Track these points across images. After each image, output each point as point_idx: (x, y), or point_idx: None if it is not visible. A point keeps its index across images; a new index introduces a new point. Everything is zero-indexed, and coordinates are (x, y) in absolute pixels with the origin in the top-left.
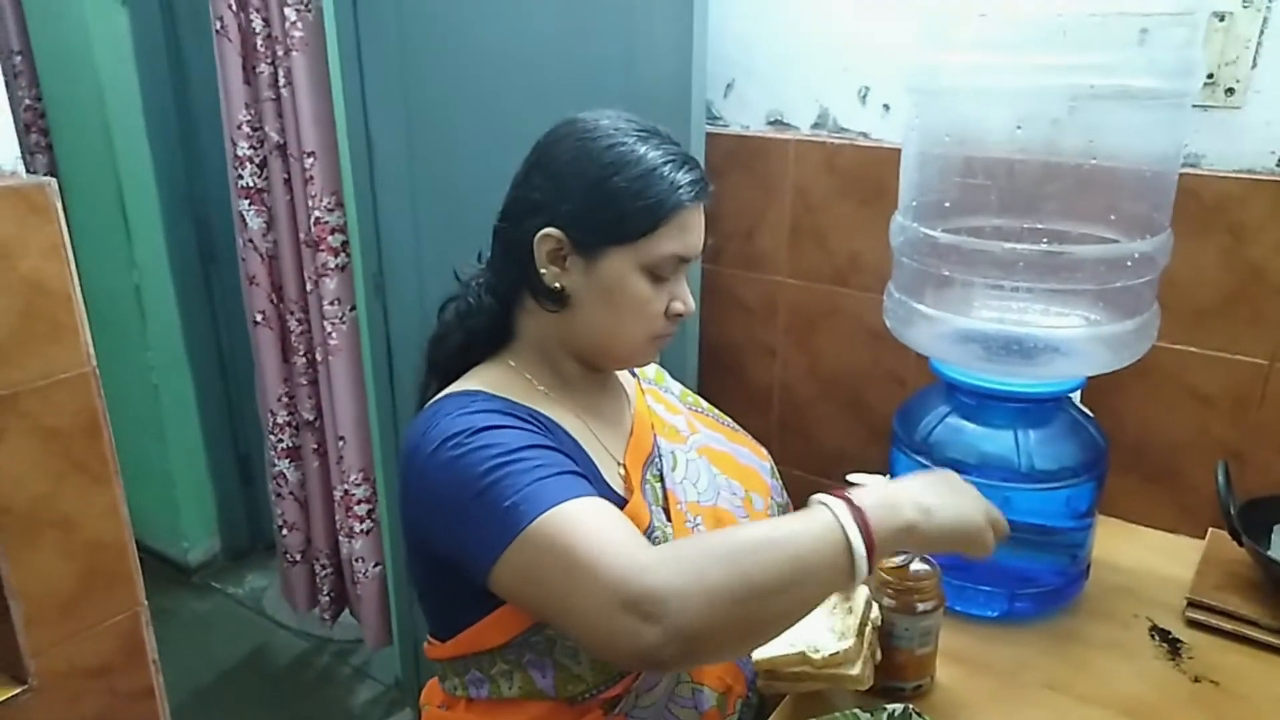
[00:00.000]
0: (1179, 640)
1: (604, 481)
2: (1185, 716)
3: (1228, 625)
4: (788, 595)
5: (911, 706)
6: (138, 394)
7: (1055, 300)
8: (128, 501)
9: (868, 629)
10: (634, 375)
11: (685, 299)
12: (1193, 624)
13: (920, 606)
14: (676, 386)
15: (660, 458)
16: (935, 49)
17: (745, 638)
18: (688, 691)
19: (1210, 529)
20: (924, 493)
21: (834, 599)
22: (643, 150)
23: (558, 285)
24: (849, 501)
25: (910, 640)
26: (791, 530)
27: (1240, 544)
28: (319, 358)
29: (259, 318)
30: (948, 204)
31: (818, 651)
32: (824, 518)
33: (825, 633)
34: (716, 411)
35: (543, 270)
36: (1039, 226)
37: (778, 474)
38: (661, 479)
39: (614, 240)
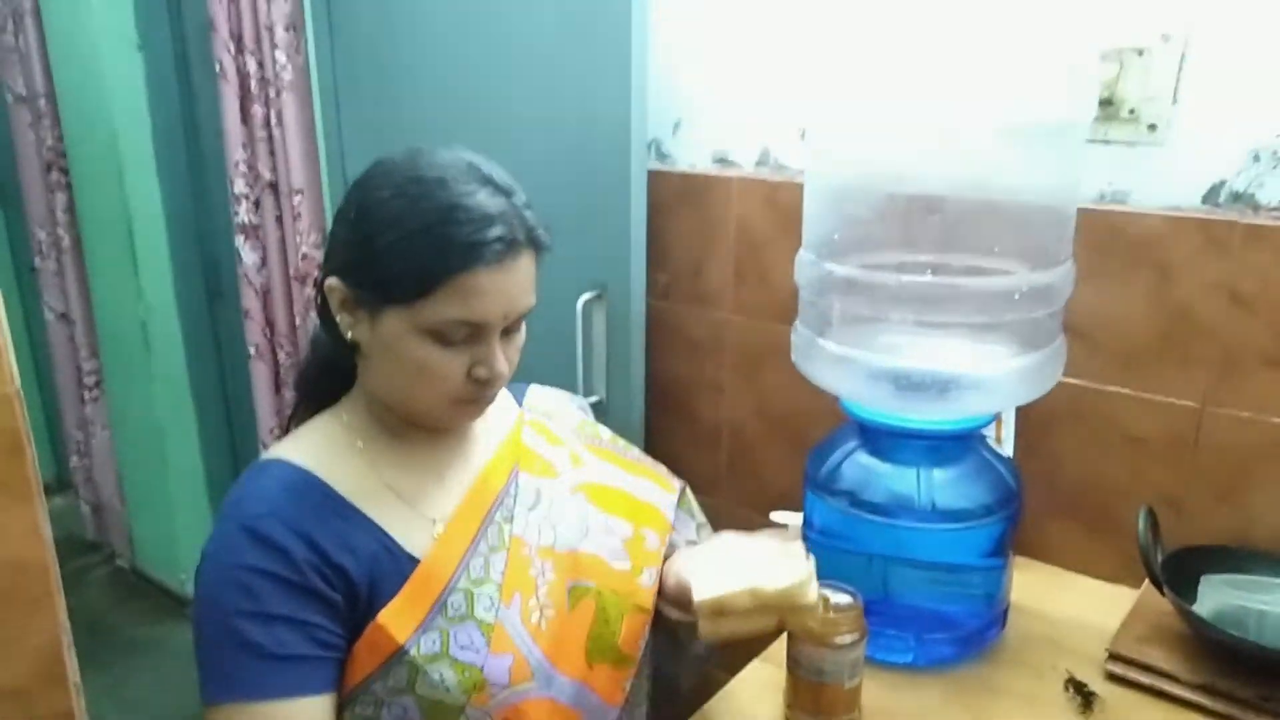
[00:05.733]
0: (1093, 694)
1: (394, 549)
2: None
3: (1146, 679)
4: None
5: None
6: (143, 427)
7: (957, 335)
8: (130, 532)
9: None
10: (519, 404)
11: (489, 363)
12: (1112, 677)
13: (841, 640)
14: (576, 418)
15: (515, 497)
16: (831, 84)
17: None
18: None
19: (1146, 580)
20: None
21: (772, 549)
22: (425, 206)
23: (350, 335)
24: None
25: (839, 675)
26: None
27: (1163, 594)
28: None
29: (253, 351)
30: (837, 236)
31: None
32: None
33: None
34: (622, 443)
35: (336, 318)
36: (935, 260)
37: (691, 505)
38: (512, 520)
39: (387, 300)
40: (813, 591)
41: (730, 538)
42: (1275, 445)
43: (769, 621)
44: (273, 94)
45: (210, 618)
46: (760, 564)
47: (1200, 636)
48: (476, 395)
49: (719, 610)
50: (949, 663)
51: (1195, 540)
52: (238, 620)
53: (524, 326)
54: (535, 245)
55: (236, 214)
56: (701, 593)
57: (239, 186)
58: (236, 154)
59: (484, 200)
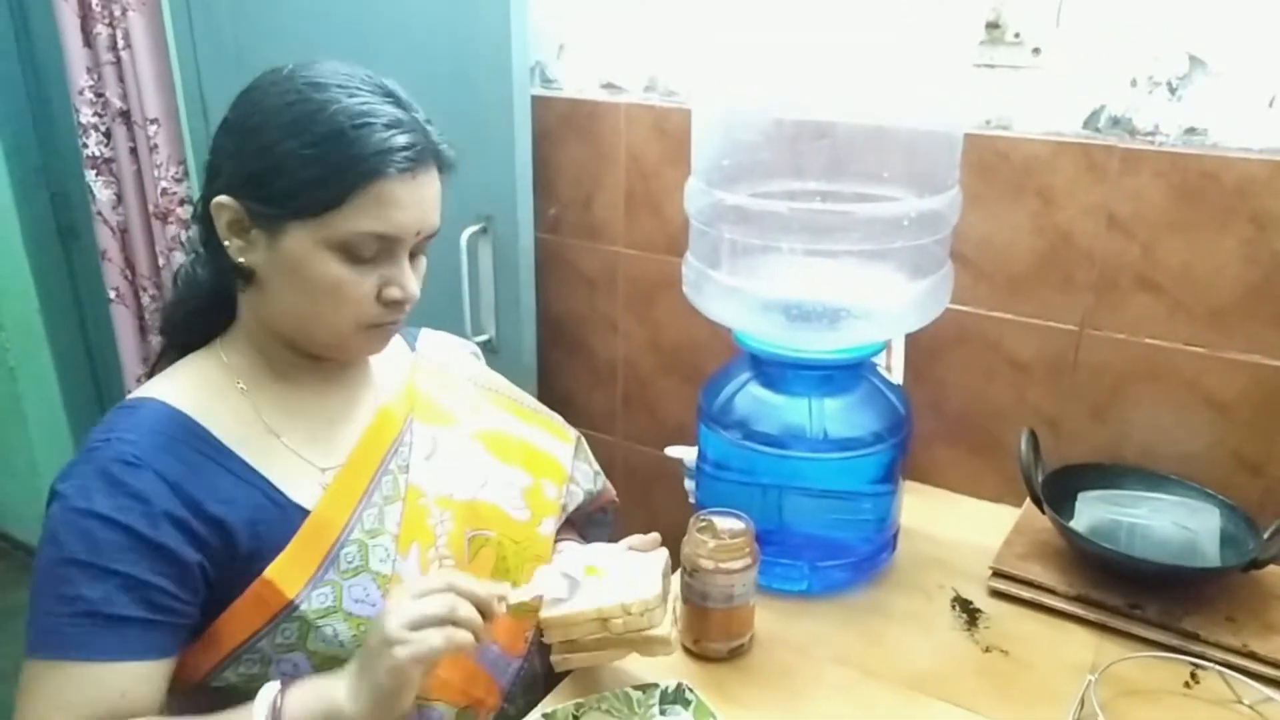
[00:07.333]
0: (979, 610)
1: (279, 499)
2: (968, 686)
3: (1026, 594)
4: None
5: (684, 683)
6: None
7: (847, 264)
8: None
9: (670, 596)
10: (413, 349)
11: (402, 282)
12: (995, 593)
13: (732, 565)
14: (471, 365)
15: (410, 446)
16: (719, 6)
17: None
18: (413, 709)
19: (1028, 499)
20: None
21: (633, 566)
22: (334, 109)
23: (242, 260)
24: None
25: (730, 600)
26: None
27: (1043, 512)
28: None
29: (113, 295)
30: (726, 163)
31: (627, 608)
32: None
33: (623, 595)
34: (516, 390)
35: (225, 243)
36: (824, 188)
37: (588, 455)
38: (408, 469)
39: (291, 214)
40: (665, 625)
41: (598, 550)
42: (1146, 364)
43: (620, 652)
44: (118, 12)
45: (47, 561)
46: (616, 583)
47: (1076, 550)
48: (385, 319)
49: (564, 632)
50: (843, 588)
51: (1073, 459)
52: (71, 569)
53: (425, 255)
54: (440, 162)
55: (86, 146)
56: (549, 608)
57: (86, 116)
58: (81, 80)
59: (391, 109)
